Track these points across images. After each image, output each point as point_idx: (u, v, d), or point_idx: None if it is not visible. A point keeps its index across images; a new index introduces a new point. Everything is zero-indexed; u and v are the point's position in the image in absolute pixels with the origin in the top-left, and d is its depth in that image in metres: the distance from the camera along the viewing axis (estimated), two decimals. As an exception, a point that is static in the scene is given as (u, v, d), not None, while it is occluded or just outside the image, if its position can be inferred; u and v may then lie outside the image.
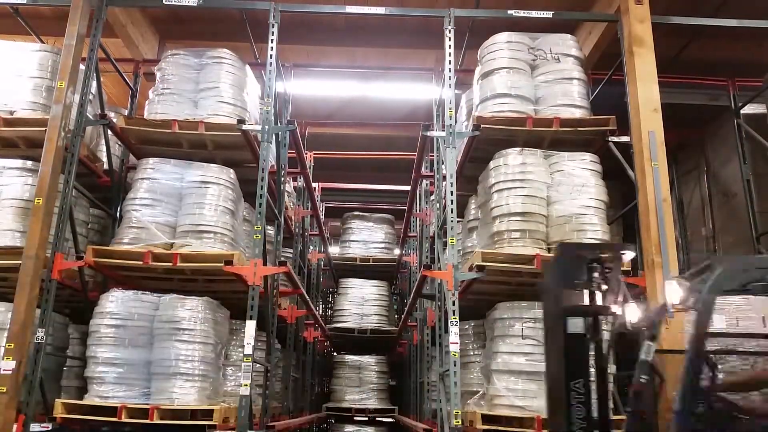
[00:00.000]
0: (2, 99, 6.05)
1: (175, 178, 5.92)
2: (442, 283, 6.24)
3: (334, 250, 13.67)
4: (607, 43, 7.01)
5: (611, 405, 5.16)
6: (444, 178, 6.69)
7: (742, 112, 7.32)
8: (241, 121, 5.97)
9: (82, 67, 6.08)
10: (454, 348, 5.12)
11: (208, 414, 5.11)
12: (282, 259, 6.48)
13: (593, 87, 6.71)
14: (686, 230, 8.59)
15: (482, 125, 5.86)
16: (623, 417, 5.09)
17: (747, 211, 6.94)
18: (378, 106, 10.14)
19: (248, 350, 5.12)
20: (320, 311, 13.55)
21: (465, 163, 6.44)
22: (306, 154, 9.30)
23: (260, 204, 5.57)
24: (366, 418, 11.40)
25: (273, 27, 6.16)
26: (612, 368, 5.23)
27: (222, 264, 5.41)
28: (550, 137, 5.98)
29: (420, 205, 9.70)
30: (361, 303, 11.80)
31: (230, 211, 5.94)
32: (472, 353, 6.08)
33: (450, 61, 6.02)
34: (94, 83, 6.32)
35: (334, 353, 13.08)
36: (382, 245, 12.36)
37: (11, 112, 6.03)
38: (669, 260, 5.15)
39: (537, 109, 6.06)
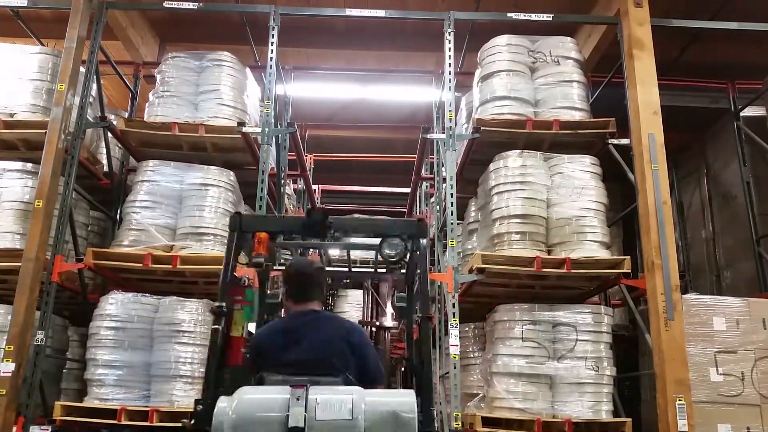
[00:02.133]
0: (2, 101, 6.05)
1: (175, 180, 5.92)
2: (442, 285, 6.24)
3: (334, 252, 13.65)
4: (607, 46, 7.01)
5: (611, 407, 5.18)
6: (444, 180, 6.69)
7: (742, 114, 7.32)
8: (241, 124, 5.97)
9: (82, 69, 6.09)
10: (454, 350, 5.12)
11: (207, 416, 5.09)
12: (282, 261, 6.47)
13: (593, 89, 6.71)
14: (686, 232, 8.58)
15: (482, 128, 5.86)
16: (624, 420, 5.11)
17: (747, 213, 6.93)
18: (378, 108, 10.14)
19: (248, 352, 5.10)
20: (320, 314, 13.51)
21: (465, 165, 6.44)
22: (306, 156, 9.30)
23: (260, 206, 5.58)
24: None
25: (273, 30, 6.17)
26: (612, 370, 5.23)
27: (222, 266, 5.40)
28: (550, 140, 5.98)
29: (420, 207, 9.70)
30: (361, 305, 11.78)
31: (230, 214, 5.94)
32: (472, 355, 6.07)
33: (450, 63, 6.02)
34: (95, 86, 6.32)
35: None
36: (383, 247, 12.30)
37: (11, 115, 6.03)
38: (669, 262, 5.14)
39: (537, 111, 6.06)
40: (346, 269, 3.69)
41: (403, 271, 3.21)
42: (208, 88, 6.27)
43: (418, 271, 3.00)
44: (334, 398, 2.34)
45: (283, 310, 3.31)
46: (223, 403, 2.37)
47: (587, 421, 4.99)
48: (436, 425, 2.59)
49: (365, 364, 2.85)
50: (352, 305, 11.61)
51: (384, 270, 3.16)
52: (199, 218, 5.74)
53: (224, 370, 2.70)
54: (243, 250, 3.09)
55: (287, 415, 2.25)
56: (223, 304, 2.78)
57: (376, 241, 3.01)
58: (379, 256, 3.00)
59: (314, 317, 2.95)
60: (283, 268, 3.19)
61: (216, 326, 2.73)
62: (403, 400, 2.40)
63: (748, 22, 6.38)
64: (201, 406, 2.54)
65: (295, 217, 2.61)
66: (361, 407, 2.31)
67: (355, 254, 11.91)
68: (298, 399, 2.29)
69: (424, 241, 3.00)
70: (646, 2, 5.89)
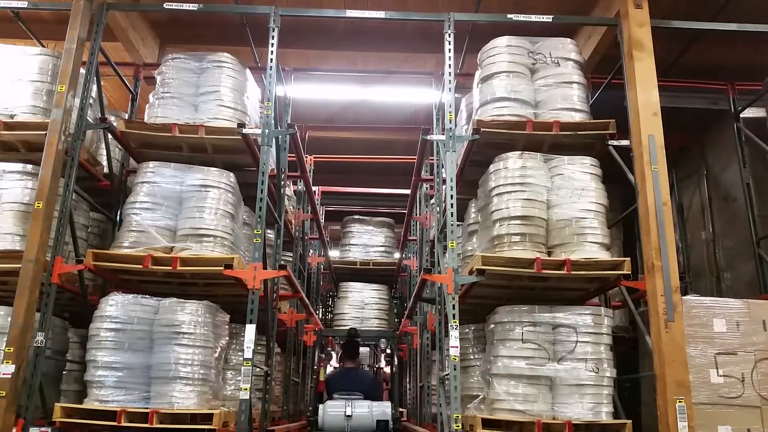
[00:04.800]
0: (3, 102, 6.05)
1: (175, 181, 5.92)
2: (442, 287, 6.23)
3: (334, 253, 13.66)
4: (607, 47, 7.02)
5: (612, 409, 5.17)
6: (444, 181, 6.68)
7: (741, 115, 7.34)
8: (242, 125, 5.97)
9: (82, 71, 6.09)
10: (454, 352, 5.11)
11: (207, 418, 5.10)
12: (282, 262, 6.47)
13: (593, 91, 6.72)
14: (686, 234, 8.59)
15: (482, 129, 5.87)
16: (624, 421, 5.10)
17: (747, 214, 6.94)
18: (378, 109, 10.15)
19: (248, 354, 5.11)
20: (320, 315, 13.53)
21: (465, 166, 6.44)
22: (306, 157, 9.30)
23: (260, 208, 5.57)
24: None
25: (273, 31, 6.17)
26: (612, 372, 5.22)
27: (222, 268, 5.41)
28: (550, 141, 5.99)
29: (420, 208, 9.70)
30: (361, 307, 11.79)
31: (230, 215, 5.94)
32: (472, 357, 6.07)
33: (450, 65, 6.02)
34: (95, 87, 6.32)
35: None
36: (382, 249, 12.35)
37: (11, 116, 6.03)
38: (669, 264, 5.14)
39: (537, 112, 6.06)
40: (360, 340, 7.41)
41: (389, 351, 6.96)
42: (208, 89, 6.27)
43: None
44: (361, 405, 6.21)
45: (339, 363, 7.94)
46: (321, 409, 6.12)
47: (587, 422, 4.99)
48: (398, 414, 6.16)
49: (374, 392, 6.49)
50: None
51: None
52: (199, 219, 5.74)
53: (319, 393, 6.60)
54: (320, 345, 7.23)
55: (345, 411, 6.04)
56: (316, 366, 6.82)
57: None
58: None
59: (353, 370, 7.10)
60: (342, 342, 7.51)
61: (315, 376, 6.38)
62: (386, 407, 6.22)
63: (748, 24, 6.39)
64: (311, 409, 6.24)
65: (344, 330, 6.93)
66: (372, 409, 6.17)
67: (355, 257, 12.00)
68: (348, 405, 6.09)
69: (394, 342, 7.37)
70: (646, 3, 5.89)
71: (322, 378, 6.38)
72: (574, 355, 5.15)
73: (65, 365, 5.97)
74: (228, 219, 5.90)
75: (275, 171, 6.95)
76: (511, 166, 5.74)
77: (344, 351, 7.06)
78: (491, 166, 5.92)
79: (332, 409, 6.01)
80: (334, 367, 9.43)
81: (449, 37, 6.08)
